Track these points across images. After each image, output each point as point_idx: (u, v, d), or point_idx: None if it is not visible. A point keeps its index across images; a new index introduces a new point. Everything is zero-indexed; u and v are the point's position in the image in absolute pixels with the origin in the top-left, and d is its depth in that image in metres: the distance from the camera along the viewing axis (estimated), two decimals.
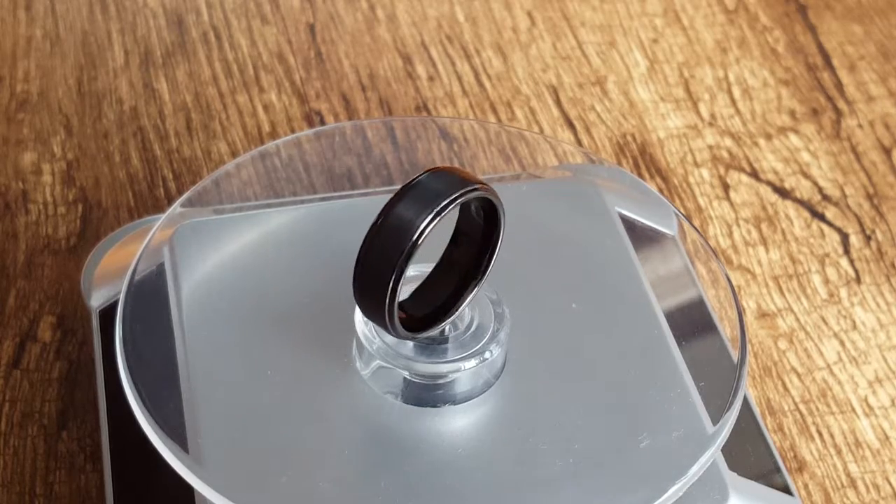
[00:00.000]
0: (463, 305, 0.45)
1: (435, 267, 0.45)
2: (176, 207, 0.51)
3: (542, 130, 0.67)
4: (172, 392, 0.46)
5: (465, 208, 0.44)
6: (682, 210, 0.64)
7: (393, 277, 0.41)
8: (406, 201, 0.41)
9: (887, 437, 0.55)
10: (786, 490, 0.49)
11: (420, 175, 0.42)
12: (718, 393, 0.46)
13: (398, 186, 0.42)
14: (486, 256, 0.44)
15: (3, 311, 0.58)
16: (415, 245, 0.41)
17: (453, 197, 0.41)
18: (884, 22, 0.74)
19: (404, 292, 0.44)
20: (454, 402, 0.46)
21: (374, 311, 0.42)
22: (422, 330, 0.44)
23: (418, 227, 0.41)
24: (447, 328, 0.46)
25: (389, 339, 0.46)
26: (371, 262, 0.42)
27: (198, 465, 0.44)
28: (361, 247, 0.42)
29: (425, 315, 0.44)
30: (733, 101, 0.69)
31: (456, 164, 0.60)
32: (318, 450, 0.45)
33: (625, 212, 0.53)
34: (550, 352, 0.48)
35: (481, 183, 0.42)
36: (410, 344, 0.46)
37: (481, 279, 0.44)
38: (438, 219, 0.41)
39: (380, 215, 0.42)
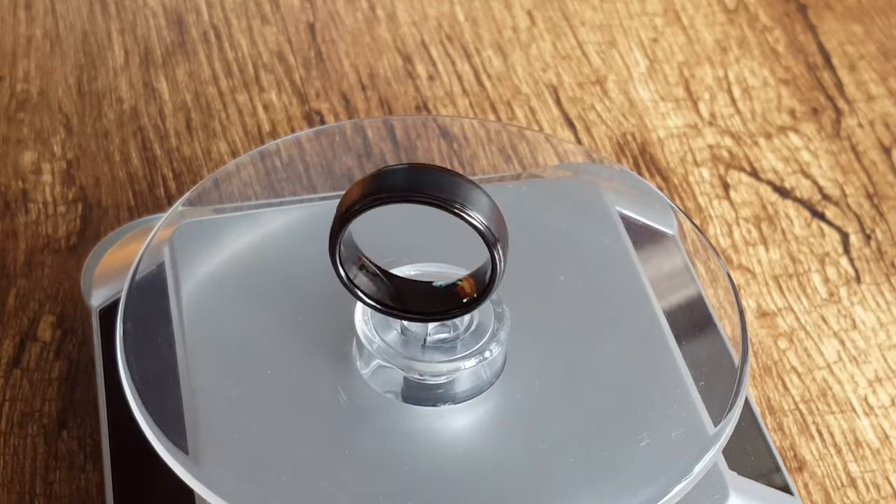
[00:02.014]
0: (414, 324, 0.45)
1: (444, 285, 0.45)
2: (177, 207, 0.51)
3: (542, 130, 0.67)
4: (172, 392, 0.46)
5: (482, 269, 0.44)
6: (682, 209, 0.64)
7: (340, 220, 0.42)
8: (398, 175, 0.42)
9: (887, 437, 0.55)
10: (786, 489, 0.49)
11: (441, 169, 0.42)
12: (719, 393, 0.46)
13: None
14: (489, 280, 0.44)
15: (3, 310, 0.58)
16: (365, 206, 0.42)
17: (431, 197, 0.41)
18: (884, 21, 0.74)
19: (416, 273, 0.45)
20: (454, 402, 0.46)
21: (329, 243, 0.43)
22: (373, 300, 0.44)
23: (380, 196, 0.41)
24: (451, 324, 0.46)
25: (390, 338, 0.46)
26: (342, 204, 0.42)
27: (197, 467, 0.44)
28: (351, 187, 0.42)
29: (401, 302, 0.45)
30: (733, 101, 0.69)
31: (456, 164, 0.60)
32: (319, 450, 0.45)
33: (625, 211, 0.53)
34: (551, 351, 0.48)
35: (484, 232, 0.42)
36: (411, 343, 0.46)
37: (483, 299, 0.45)
38: (398, 204, 0.41)
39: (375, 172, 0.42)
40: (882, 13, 0.75)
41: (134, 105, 0.68)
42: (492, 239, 0.42)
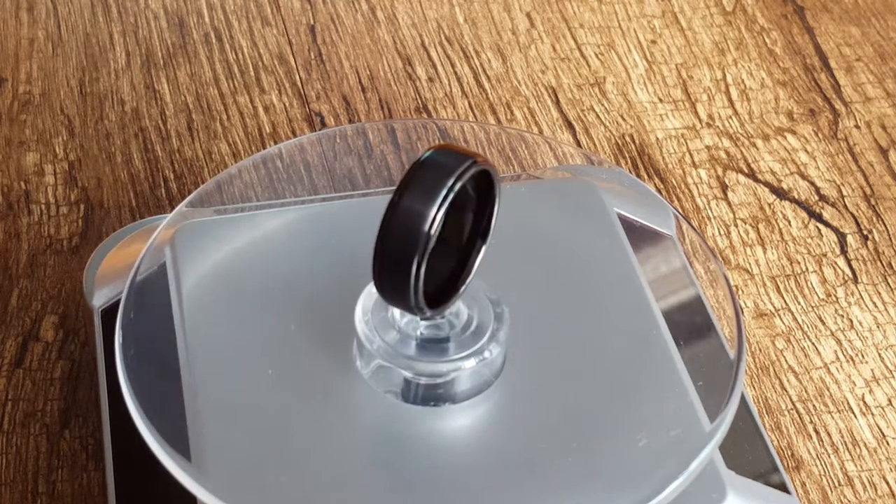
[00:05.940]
0: (473, 270, 0.44)
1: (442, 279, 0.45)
2: (180, 209, 0.51)
3: (541, 131, 0.67)
4: (173, 395, 0.46)
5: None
6: (680, 211, 0.64)
7: (414, 266, 0.41)
8: (415, 186, 0.41)
9: (884, 436, 0.56)
10: (783, 488, 0.49)
11: (422, 157, 0.42)
12: (716, 392, 0.47)
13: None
14: (485, 220, 0.44)
15: (6, 310, 0.59)
16: (429, 236, 0.41)
17: (459, 174, 0.41)
18: (881, 24, 0.74)
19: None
20: (454, 401, 0.46)
21: (399, 300, 0.42)
22: (439, 305, 0.44)
23: (432, 214, 0.41)
24: (450, 324, 0.46)
25: (389, 338, 0.46)
26: (390, 253, 0.42)
27: (199, 473, 0.44)
28: (378, 240, 0.41)
29: (437, 291, 0.44)
30: (731, 102, 0.69)
31: None
32: (319, 450, 0.45)
33: (623, 212, 0.53)
34: (549, 351, 0.48)
35: (476, 155, 0.42)
36: (411, 343, 0.46)
37: (486, 241, 0.44)
38: (448, 201, 0.41)
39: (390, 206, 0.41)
40: (879, 15, 0.75)
41: (135, 107, 0.68)
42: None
